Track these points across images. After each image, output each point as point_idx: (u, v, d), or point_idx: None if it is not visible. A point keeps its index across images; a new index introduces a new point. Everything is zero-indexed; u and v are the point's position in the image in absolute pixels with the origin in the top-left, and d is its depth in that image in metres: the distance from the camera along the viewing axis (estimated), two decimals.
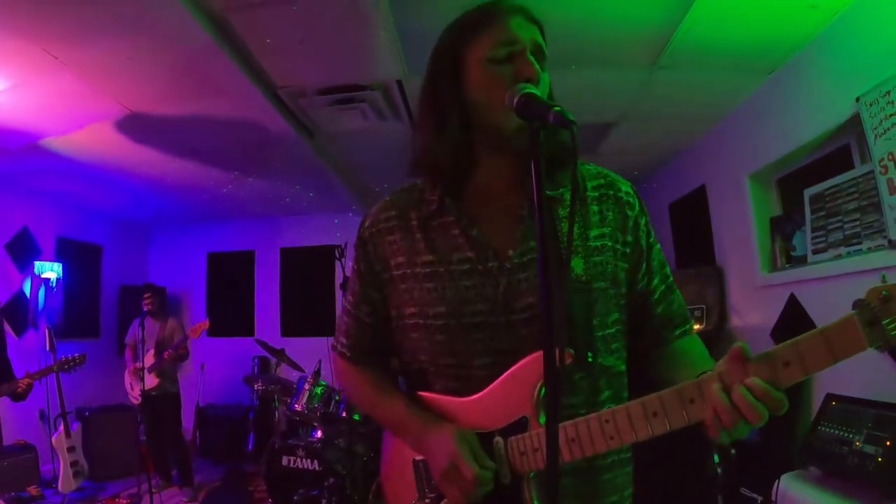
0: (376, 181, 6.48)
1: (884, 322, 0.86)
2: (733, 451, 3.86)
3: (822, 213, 3.63)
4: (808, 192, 3.78)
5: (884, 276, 0.91)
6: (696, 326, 4.71)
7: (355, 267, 1.36)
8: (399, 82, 4.01)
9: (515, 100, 1.03)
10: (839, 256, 3.45)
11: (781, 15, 3.24)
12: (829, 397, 2.98)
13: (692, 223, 5.49)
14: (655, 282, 1.26)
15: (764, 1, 3.09)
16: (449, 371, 1.20)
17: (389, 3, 3.08)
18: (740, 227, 4.53)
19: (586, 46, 3.57)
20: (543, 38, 1.19)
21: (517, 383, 1.11)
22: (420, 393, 1.27)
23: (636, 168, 6.18)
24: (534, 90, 1.05)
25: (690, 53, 3.63)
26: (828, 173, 3.64)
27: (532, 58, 1.13)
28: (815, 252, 3.68)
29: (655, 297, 1.26)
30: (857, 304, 0.89)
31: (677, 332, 1.26)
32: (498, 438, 1.12)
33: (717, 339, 4.66)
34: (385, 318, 1.32)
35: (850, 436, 2.66)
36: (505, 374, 1.12)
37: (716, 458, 3.76)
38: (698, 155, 5.34)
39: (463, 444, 1.10)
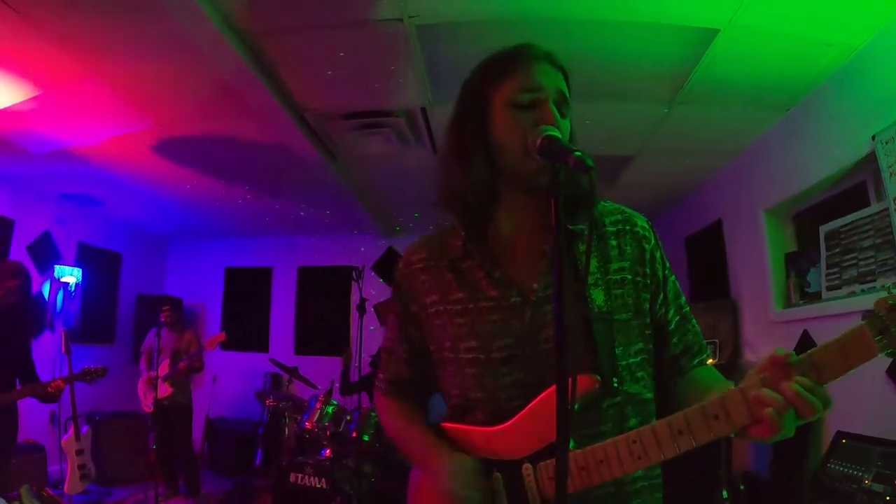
0: (397, 205, 6.57)
1: (893, 330, 0.91)
2: (742, 487, 3.86)
3: (838, 250, 3.65)
4: (824, 229, 3.80)
5: (888, 288, 0.96)
6: (710, 361, 4.72)
7: (393, 307, 1.44)
8: (423, 109, 4.11)
9: (538, 141, 1.08)
10: (853, 293, 3.46)
11: (798, 53, 3.30)
12: (840, 435, 2.98)
13: (708, 257, 5.51)
14: (671, 312, 1.31)
15: (781, 39, 3.15)
16: (479, 405, 1.25)
17: (416, 34, 3.18)
18: (755, 261, 4.55)
19: (607, 81, 3.65)
20: (568, 84, 1.24)
21: (543, 412, 1.14)
22: (444, 424, 1.32)
23: (654, 201, 6.23)
24: (555, 132, 1.10)
25: (708, 90, 3.70)
26: (844, 210, 3.66)
27: (554, 106, 1.18)
28: (829, 289, 3.69)
29: (671, 327, 1.30)
30: (867, 315, 0.94)
31: (695, 362, 1.30)
32: (527, 464, 1.16)
33: (729, 373, 4.63)
34: (421, 354, 1.38)
35: (859, 473, 2.67)
36: (532, 402, 1.17)
37: (724, 493, 3.75)
38: (715, 189, 5.38)
39: (449, 466, 1.18)
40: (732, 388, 1.02)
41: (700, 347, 1.33)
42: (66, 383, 4.06)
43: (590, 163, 0.97)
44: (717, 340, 4.85)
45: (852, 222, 3.55)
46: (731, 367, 4.68)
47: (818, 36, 3.13)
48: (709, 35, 3.12)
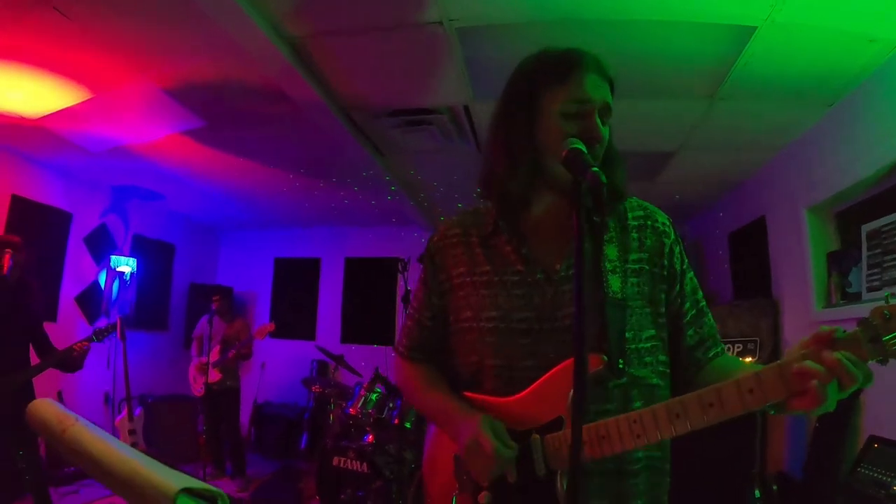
0: (441, 197, 6.67)
1: (884, 339, 0.97)
2: (775, 487, 3.86)
3: (879, 250, 3.59)
4: (866, 228, 3.73)
5: (887, 297, 1.00)
6: (749, 359, 4.68)
7: (422, 276, 1.53)
8: (466, 107, 4.19)
9: (564, 153, 1.17)
10: (894, 295, 3.40)
11: (839, 49, 3.26)
12: (872, 439, 2.97)
13: (751, 254, 5.46)
14: (687, 305, 1.38)
15: (820, 35, 3.12)
16: (496, 371, 1.34)
17: (457, 36, 3.26)
18: (797, 260, 4.48)
19: (647, 79, 3.68)
20: (612, 93, 1.32)
21: (555, 386, 1.24)
22: (465, 393, 1.41)
23: (696, 196, 6.20)
24: (580, 146, 1.17)
25: (749, 86, 3.69)
26: (887, 209, 3.60)
27: (599, 118, 1.27)
28: (869, 289, 3.63)
29: (687, 319, 1.38)
30: (861, 323, 1.00)
31: (710, 354, 1.38)
32: (535, 435, 1.25)
33: None
34: (443, 322, 1.48)
35: (889, 479, 2.67)
36: (544, 377, 1.26)
37: (757, 493, 3.76)
38: (758, 186, 5.32)
39: (486, 425, 1.25)
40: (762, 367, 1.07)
41: (714, 341, 1.39)
42: (88, 343, 3.99)
43: (603, 179, 1.06)
44: (757, 339, 4.81)
45: (894, 222, 3.49)
46: None
47: (860, 31, 3.08)
48: (746, 32, 3.11)
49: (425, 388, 1.50)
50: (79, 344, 3.95)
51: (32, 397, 3.88)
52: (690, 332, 1.38)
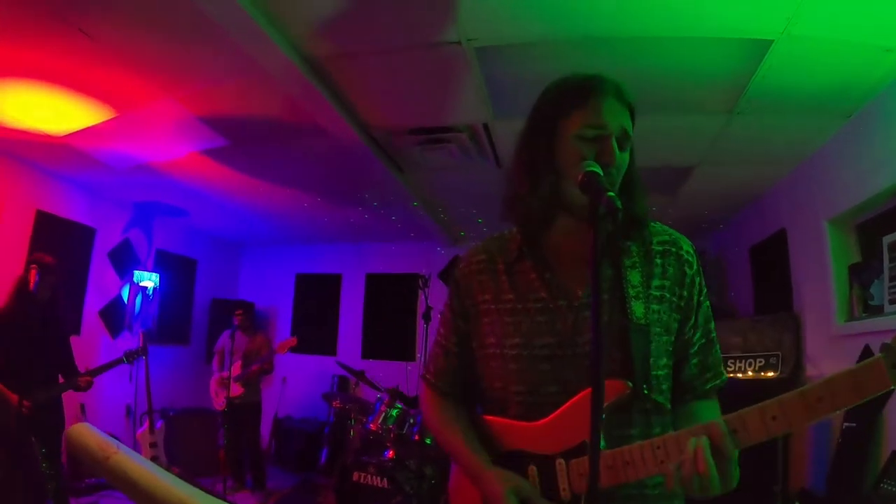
0: (461, 214, 6.72)
1: None
2: (797, 503, 3.81)
3: None
4: (887, 240, 3.70)
5: None
6: (770, 374, 4.64)
7: (448, 302, 1.55)
8: (485, 125, 4.23)
9: (580, 176, 1.18)
10: None
11: (856, 60, 3.26)
12: (895, 455, 2.94)
13: (772, 267, 5.42)
14: (698, 335, 1.39)
15: (837, 47, 3.12)
16: (520, 397, 1.36)
17: (475, 55, 3.31)
18: (818, 273, 4.44)
19: (666, 94, 3.70)
20: (632, 118, 1.34)
21: (579, 411, 1.24)
22: (487, 417, 1.44)
23: (716, 210, 6.18)
24: (596, 169, 1.20)
25: (767, 99, 3.69)
26: None
27: (616, 143, 1.28)
28: (891, 302, 3.60)
29: (694, 349, 1.39)
30: (884, 348, 1.01)
31: (707, 386, 1.39)
32: (560, 460, 1.27)
33: (790, 387, 4.53)
34: (469, 349, 1.50)
35: None
36: (568, 403, 1.27)
37: None
38: (778, 198, 5.29)
39: (512, 498, 1.26)
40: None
41: (716, 373, 1.41)
42: (93, 376, 4.19)
43: (618, 204, 1.08)
44: (779, 353, 4.75)
45: None
46: (793, 381, 4.56)
47: (876, 42, 3.08)
48: (763, 46, 3.13)
49: (444, 427, 1.51)
50: (85, 377, 4.15)
51: (60, 409, 4.12)
52: (695, 360, 1.39)
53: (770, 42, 3.09)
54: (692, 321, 1.38)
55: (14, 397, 3.63)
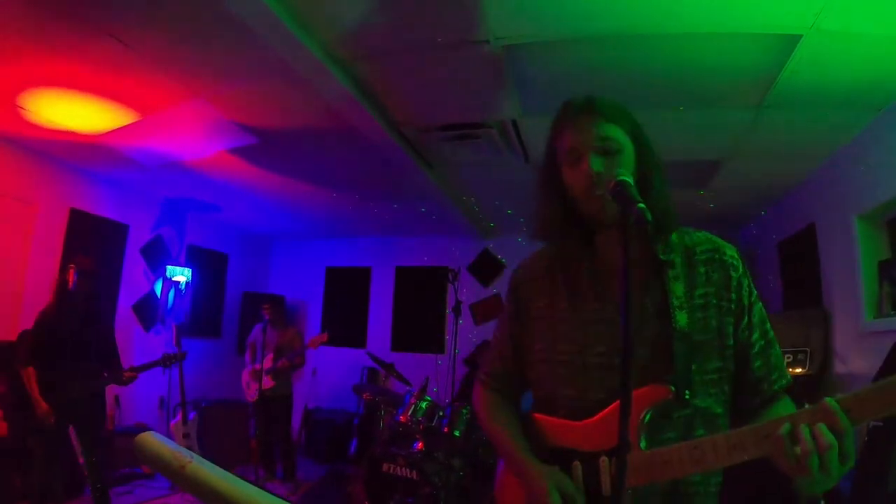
0: (491, 208, 6.75)
1: None
2: (823, 503, 3.78)
3: None
4: None
5: None
6: (798, 370, 4.61)
7: (506, 306, 1.63)
8: (514, 121, 4.27)
9: (612, 184, 1.24)
10: None
11: (886, 53, 3.23)
12: None
13: (801, 263, 5.38)
14: (755, 336, 1.41)
15: (867, 40, 3.10)
16: (568, 402, 1.42)
17: (504, 53, 3.35)
18: (848, 269, 4.41)
19: (694, 89, 3.71)
20: (621, 119, 1.37)
21: None
22: (536, 415, 1.50)
23: (745, 204, 6.16)
24: (627, 178, 1.25)
25: (796, 94, 3.67)
26: None
27: (595, 156, 1.33)
28: None
29: (755, 350, 1.41)
30: None
31: (775, 387, 1.40)
32: (604, 458, 1.33)
33: (818, 384, 4.52)
34: (522, 351, 1.57)
35: None
36: (613, 404, 1.33)
37: None
38: (807, 193, 5.25)
39: (553, 492, 1.32)
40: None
41: (781, 373, 1.42)
42: (137, 373, 4.38)
43: (649, 217, 1.13)
44: (807, 349, 4.72)
45: None
46: (821, 378, 4.53)
47: None
48: (791, 41, 3.12)
49: (494, 423, 1.58)
50: (128, 373, 4.34)
51: (103, 401, 4.36)
52: (758, 363, 1.40)
53: (799, 37, 3.08)
54: (745, 321, 1.40)
55: (44, 405, 3.83)
